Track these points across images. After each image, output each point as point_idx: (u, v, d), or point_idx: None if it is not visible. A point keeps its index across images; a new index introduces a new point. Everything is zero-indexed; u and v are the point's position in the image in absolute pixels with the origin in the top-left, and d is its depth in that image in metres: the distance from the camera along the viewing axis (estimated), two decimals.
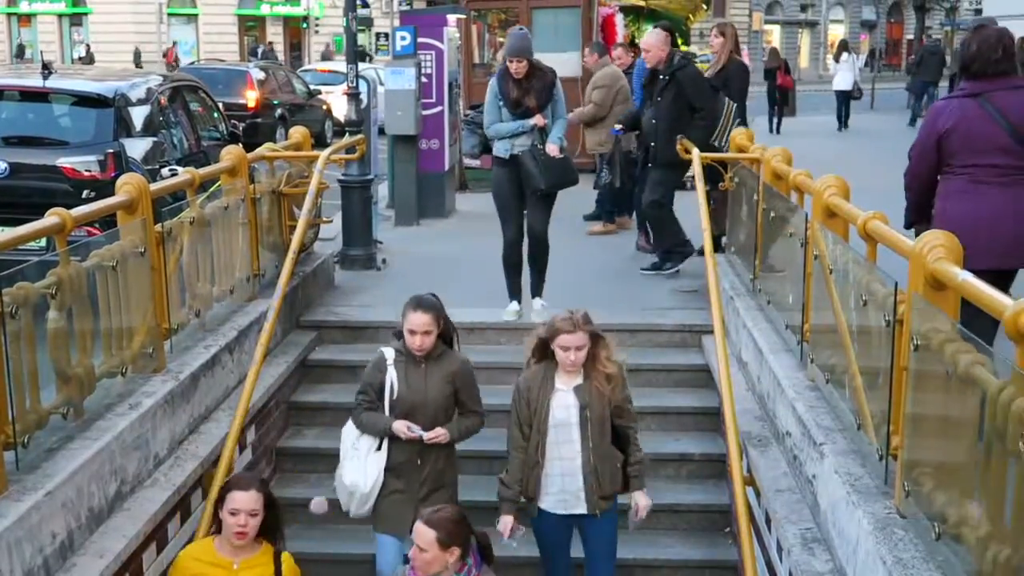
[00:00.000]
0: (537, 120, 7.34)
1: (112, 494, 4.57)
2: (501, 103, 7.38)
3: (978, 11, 29.88)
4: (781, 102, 23.40)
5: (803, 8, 62.47)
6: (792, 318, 5.70)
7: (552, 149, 7.32)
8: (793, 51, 59.32)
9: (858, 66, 26.42)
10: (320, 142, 19.16)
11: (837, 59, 25.85)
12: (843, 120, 23.68)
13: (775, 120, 23.03)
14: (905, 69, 45.33)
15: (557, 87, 7.45)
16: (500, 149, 7.47)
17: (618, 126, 9.81)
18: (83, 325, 4.60)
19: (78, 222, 4.73)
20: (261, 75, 21.80)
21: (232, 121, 11.91)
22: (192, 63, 30.46)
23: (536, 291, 7.71)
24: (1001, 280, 4.70)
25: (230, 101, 18.52)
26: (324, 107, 23.67)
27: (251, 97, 20.58)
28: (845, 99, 23.71)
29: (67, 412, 4.46)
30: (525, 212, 7.58)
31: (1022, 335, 2.87)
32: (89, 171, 8.09)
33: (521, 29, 7.55)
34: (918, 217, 5.55)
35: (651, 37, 9.07)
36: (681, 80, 8.56)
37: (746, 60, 9.94)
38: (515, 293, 7.72)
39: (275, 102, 21.52)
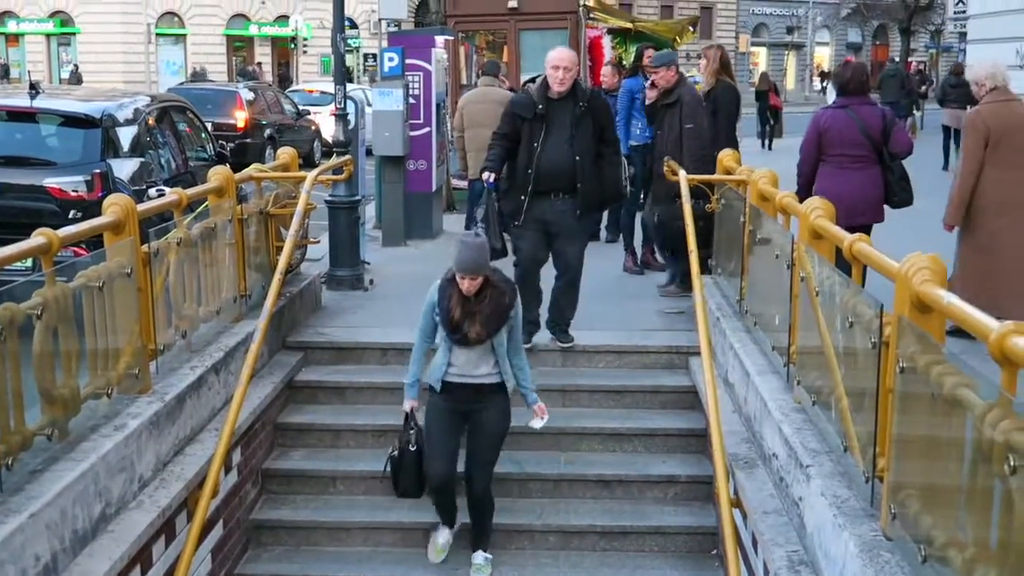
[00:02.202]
0: (407, 405, 5.98)
1: (97, 516, 4.54)
2: (438, 317, 5.80)
3: (962, 34, 30.31)
4: (773, 121, 26.20)
5: (789, 31, 62.81)
6: (778, 340, 5.71)
7: (539, 412, 6.02)
8: (779, 73, 59.59)
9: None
10: (309, 162, 19.19)
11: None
12: None
13: (766, 139, 25.67)
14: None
15: (516, 310, 5.82)
16: (431, 376, 5.91)
17: (488, 175, 7.19)
18: (68, 346, 4.58)
19: (65, 242, 4.73)
20: (250, 95, 21.83)
21: (220, 141, 11.91)
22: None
23: (479, 543, 6.19)
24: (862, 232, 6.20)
25: (219, 121, 18.59)
26: (313, 127, 23.70)
27: (240, 117, 20.61)
28: None
29: (52, 433, 4.44)
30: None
31: (1007, 357, 2.89)
32: (76, 191, 8.07)
33: (477, 236, 5.94)
34: (806, 194, 7.04)
35: (568, 53, 7.25)
36: (596, 108, 7.22)
37: None
38: (449, 519, 6.21)
39: (264, 122, 21.55)
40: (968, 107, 19.48)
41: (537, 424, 6.06)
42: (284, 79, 40.81)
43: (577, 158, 7.05)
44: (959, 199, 7.05)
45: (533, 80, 7.31)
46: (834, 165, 7.33)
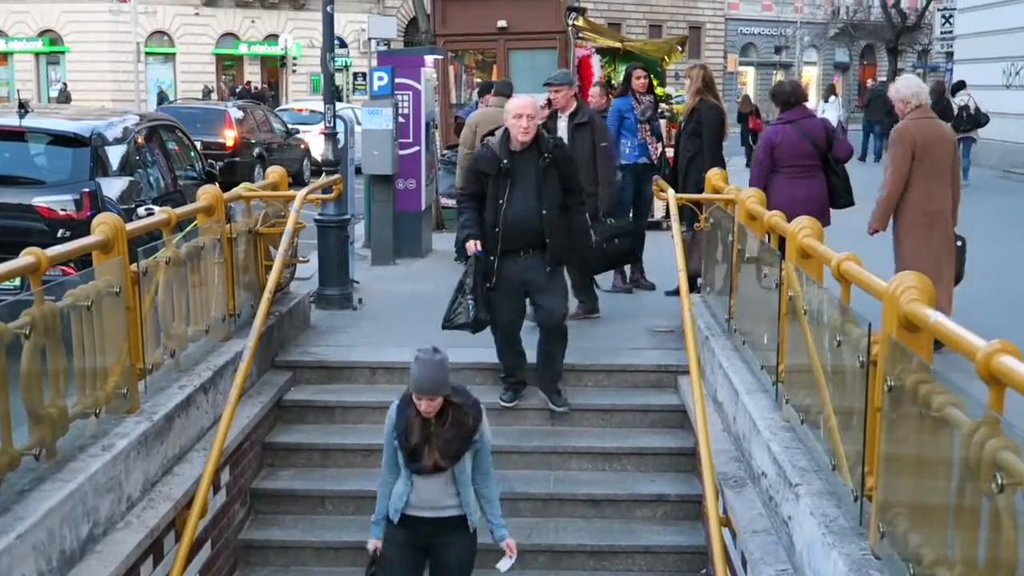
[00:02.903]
0: (372, 545, 5.19)
1: (84, 537, 4.52)
2: (396, 442, 5.01)
3: (949, 54, 30.57)
4: (754, 142, 25.65)
5: (777, 50, 63.09)
6: (767, 359, 5.73)
7: (509, 549, 5.13)
8: (767, 92, 59.91)
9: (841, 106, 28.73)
10: (298, 181, 19.19)
11: (826, 100, 28.07)
12: None
13: (747, 159, 25.40)
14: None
15: (482, 432, 5.03)
16: (390, 506, 5.09)
17: (473, 244, 6.69)
18: (56, 365, 4.57)
19: (53, 262, 4.72)
20: (240, 114, 21.84)
21: (209, 160, 11.90)
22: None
23: None
24: None
25: (209, 140, 18.59)
26: (302, 146, 23.71)
27: (229, 136, 20.62)
28: None
29: (39, 453, 4.42)
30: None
31: (993, 376, 2.90)
32: (65, 210, 8.06)
33: (437, 352, 4.88)
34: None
35: (530, 100, 6.95)
36: (559, 159, 6.87)
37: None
38: None
39: (253, 141, 21.55)
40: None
41: (505, 566, 5.14)
42: (260, 98, 40.06)
43: (544, 212, 6.75)
44: (887, 205, 7.38)
45: (492, 133, 7.04)
46: (787, 176, 7.96)
